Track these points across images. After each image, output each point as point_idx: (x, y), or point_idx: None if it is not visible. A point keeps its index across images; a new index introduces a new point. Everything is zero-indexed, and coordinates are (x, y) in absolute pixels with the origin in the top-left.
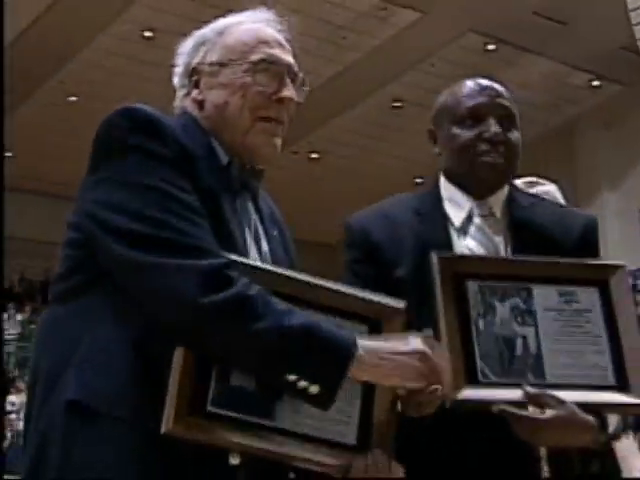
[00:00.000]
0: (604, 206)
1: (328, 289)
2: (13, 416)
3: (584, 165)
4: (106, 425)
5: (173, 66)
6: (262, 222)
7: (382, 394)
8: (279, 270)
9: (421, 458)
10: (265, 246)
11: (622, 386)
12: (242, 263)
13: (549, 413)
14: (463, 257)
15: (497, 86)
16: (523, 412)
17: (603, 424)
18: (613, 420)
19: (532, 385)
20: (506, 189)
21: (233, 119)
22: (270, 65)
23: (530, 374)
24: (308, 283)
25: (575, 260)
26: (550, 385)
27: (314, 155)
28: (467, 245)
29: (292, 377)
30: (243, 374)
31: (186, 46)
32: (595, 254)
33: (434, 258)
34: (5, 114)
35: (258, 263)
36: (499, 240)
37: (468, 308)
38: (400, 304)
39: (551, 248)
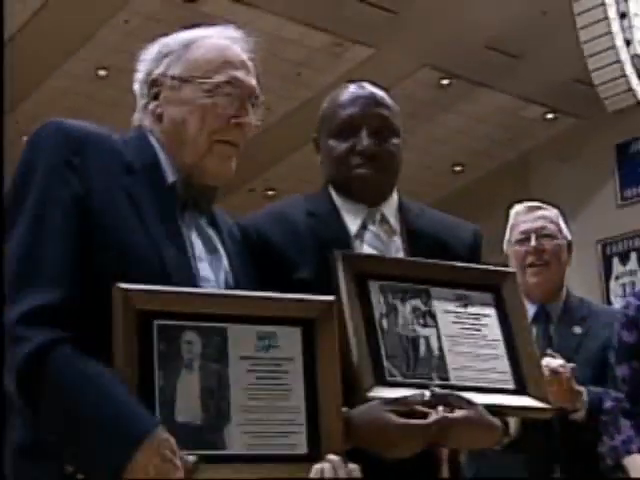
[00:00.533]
0: None
1: (248, 298)
2: None
3: (540, 198)
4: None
5: (130, 102)
6: (222, 240)
7: (326, 395)
8: (179, 289)
9: None
10: (224, 263)
11: (521, 390)
12: (132, 289)
13: (458, 413)
14: (365, 256)
15: (376, 93)
16: (433, 411)
17: (506, 427)
18: (512, 424)
19: (438, 386)
20: (395, 196)
21: (190, 139)
22: (232, 88)
23: (435, 374)
24: (225, 296)
25: (469, 265)
26: (455, 386)
27: (271, 192)
28: (364, 251)
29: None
30: (187, 408)
31: (150, 53)
32: (480, 263)
33: (338, 256)
34: None
35: (165, 287)
36: (394, 246)
37: (372, 308)
38: (330, 298)
39: (444, 254)
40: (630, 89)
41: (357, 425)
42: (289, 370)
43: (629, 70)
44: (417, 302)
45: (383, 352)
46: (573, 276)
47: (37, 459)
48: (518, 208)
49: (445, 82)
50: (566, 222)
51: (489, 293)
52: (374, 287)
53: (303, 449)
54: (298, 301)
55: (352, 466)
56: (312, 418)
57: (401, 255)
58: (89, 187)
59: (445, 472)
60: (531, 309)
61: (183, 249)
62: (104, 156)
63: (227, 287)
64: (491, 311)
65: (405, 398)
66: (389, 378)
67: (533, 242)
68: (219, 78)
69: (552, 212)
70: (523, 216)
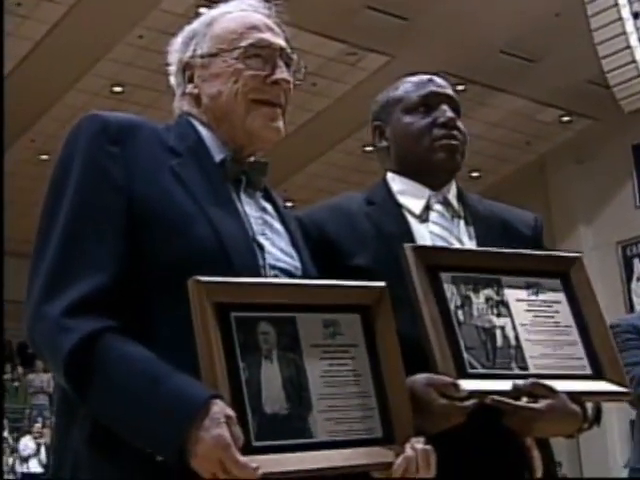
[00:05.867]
0: (581, 241)
1: (313, 287)
2: None
3: (558, 201)
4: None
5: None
6: (280, 215)
7: (393, 378)
8: (250, 280)
9: None
10: (285, 238)
11: (598, 375)
12: (208, 282)
13: (543, 403)
14: (435, 248)
15: (442, 80)
16: (519, 403)
17: (584, 413)
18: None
19: (518, 375)
20: (454, 183)
21: (228, 106)
22: (261, 49)
23: (514, 364)
24: (294, 286)
25: (537, 252)
26: (535, 375)
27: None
28: (431, 230)
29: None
30: (273, 399)
31: (176, 43)
32: (544, 248)
33: (408, 249)
34: None
35: (239, 279)
36: (460, 227)
37: (446, 300)
38: (381, 284)
39: (510, 236)
40: None
41: None
42: (355, 356)
43: None
44: (490, 292)
45: (462, 344)
46: (594, 278)
47: (111, 447)
48: None
49: (460, 88)
50: (585, 224)
51: (558, 279)
52: (447, 279)
53: (379, 432)
54: (356, 288)
55: (428, 447)
56: (382, 402)
57: (466, 237)
58: (132, 174)
59: (537, 460)
60: None
61: (242, 226)
62: (146, 142)
63: (291, 260)
64: (561, 297)
65: (442, 380)
66: (470, 370)
67: None
68: (245, 42)
69: None
70: None
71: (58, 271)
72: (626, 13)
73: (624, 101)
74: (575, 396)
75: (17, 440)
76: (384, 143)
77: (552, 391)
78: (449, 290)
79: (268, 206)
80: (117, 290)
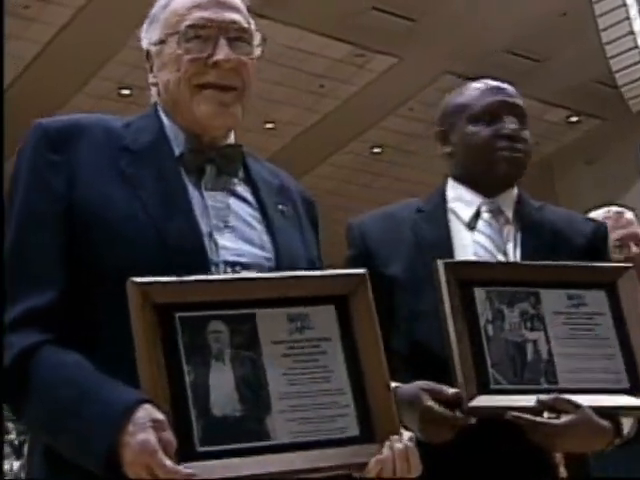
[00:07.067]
0: None
1: (273, 280)
2: None
3: (566, 201)
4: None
5: None
6: (259, 200)
7: (372, 373)
8: (196, 278)
9: (435, 465)
10: (257, 225)
11: (636, 389)
12: (147, 282)
13: (566, 418)
14: (468, 263)
15: (509, 87)
16: (539, 419)
17: (618, 428)
18: (628, 423)
19: (545, 390)
20: (515, 190)
21: (175, 95)
22: (200, 29)
23: (543, 379)
24: (248, 280)
25: (581, 263)
26: (563, 390)
27: None
28: (475, 239)
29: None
30: (223, 401)
31: (144, 27)
32: (604, 260)
33: (439, 264)
34: None
35: (169, 278)
36: (507, 237)
37: (476, 315)
38: (361, 271)
39: (560, 250)
40: None
41: (396, 400)
42: (327, 351)
43: None
44: (525, 305)
45: (488, 359)
46: None
47: (62, 462)
48: (600, 213)
49: None
50: None
51: (603, 290)
52: (480, 294)
53: (354, 431)
54: (328, 277)
55: (410, 445)
56: (360, 398)
57: (511, 247)
58: (73, 181)
59: (563, 473)
60: None
61: (193, 223)
62: (92, 145)
63: (260, 252)
64: (605, 309)
65: (440, 386)
66: (494, 386)
67: (635, 249)
68: (184, 24)
69: (633, 215)
70: (614, 221)
71: (10, 282)
72: (634, 12)
73: (632, 101)
74: (604, 411)
75: (23, 444)
76: (448, 149)
77: (576, 406)
78: (481, 305)
79: (245, 193)
80: (61, 301)
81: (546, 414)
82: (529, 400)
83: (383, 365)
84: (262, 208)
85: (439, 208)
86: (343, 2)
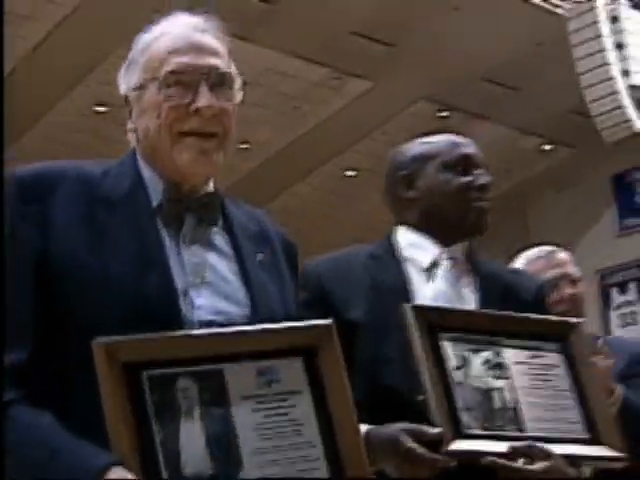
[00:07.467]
0: None
1: (241, 334)
2: None
3: (537, 229)
4: None
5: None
6: (238, 251)
7: (342, 423)
8: (164, 335)
9: None
10: (234, 280)
11: (595, 439)
12: (113, 342)
13: (540, 465)
14: (434, 308)
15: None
16: (515, 464)
17: (579, 477)
18: (587, 471)
19: (514, 437)
20: (468, 242)
21: (155, 143)
22: (180, 75)
23: (511, 426)
24: (217, 335)
25: (540, 316)
26: (531, 437)
27: None
28: (435, 286)
29: None
30: (194, 459)
31: (121, 73)
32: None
33: (407, 308)
34: None
35: (151, 335)
36: (465, 286)
37: (444, 360)
38: (328, 321)
39: (510, 302)
40: (627, 120)
41: (371, 441)
42: (297, 404)
43: (626, 101)
44: (489, 354)
45: (460, 405)
46: None
47: None
48: (533, 253)
49: (443, 114)
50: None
51: (557, 343)
52: (446, 339)
53: None
54: (295, 329)
55: None
56: (330, 450)
57: (469, 297)
58: (47, 233)
59: None
60: None
61: (167, 281)
62: (69, 195)
63: (236, 309)
64: (560, 361)
65: (421, 427)
66: (467, 431)
67: (568, 290)
68: (164, 70)
69: (567, 254)
70: (546, 261)
71: None
72: (609, 44)
73: (605, 132)
74: (572, 460)
75: None
76: (411, 194)
77: (547, 454)
78: (448, 350)
79: (223, 244)
80: (33, 358)
81: (521, 460)
82: (501, 446)
83: (352, 413)
84: (240, 261)
85: (392, 254)
86: (323, 26)
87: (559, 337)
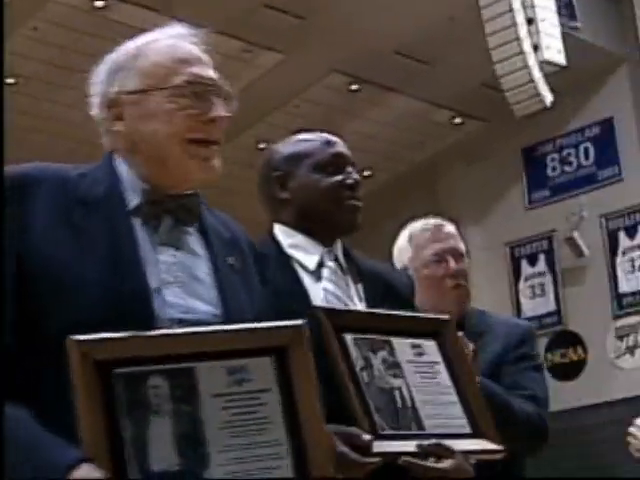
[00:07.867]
0: (468, 241)
1: (212, 334)
2: None
3: (447, 201)
4: None
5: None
6: (211, 253)
7: (309, 422)
8: (135, 334)
9: None
10: (207, 280)
11: (477, 433)
12: (86, 340)
13: (448, 463)
14: (341, 310)
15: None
16: (429, 464)
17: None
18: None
19: (417, 435)
20: (340, 241)
21: (164, 147)
22: (193, 86)
23: (413, 425)
24: (189, 335)
25: (414, 314)
26: (431, 435)
27: None
28: (325, 288)
29: None
30: (161, 456)
31: (99, 74)
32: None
33: (320, 310)
34: None
35: (123, 333)
36: (350, 285)
37: (352, 362)
38: (299, 322)
39: (392, 294)
40: (537, 94)
41: None
42: (266, 402)
43: (537, 75)
44: (384, 353)
45: (372, 406)
46: (482, 278)
47: None
48: (419, 226)
49: (354, 87)
50: (474, 225)
51: (434, 340)
52: (350, 340)
53: None
54: (266, 330)
55: None
56: (297, 448)
57: (356, 297)
58: (25, 233)
59: None
60: None
61: (141, 281)
62: (47, 196)
63: (210, 308)
64: (439, 358)
65: (350, 432)
66: (381, 432)
67: (453, 264)
68: (177, 80)
69: (454, 228)
70: (431, 235)
71: None
72: (520, 18)
73: (516, 106)
74: (469, 454)
75: None
76: (285, 195)
77: (452, 451)
78: (353, 351)
79: (197, 246)
80: (7, 355)
81: (431, 459)
82: (410, 445)
83: (319, 412)
84: (213, 262)
85: (280, 254)
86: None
87: (435, 334)
